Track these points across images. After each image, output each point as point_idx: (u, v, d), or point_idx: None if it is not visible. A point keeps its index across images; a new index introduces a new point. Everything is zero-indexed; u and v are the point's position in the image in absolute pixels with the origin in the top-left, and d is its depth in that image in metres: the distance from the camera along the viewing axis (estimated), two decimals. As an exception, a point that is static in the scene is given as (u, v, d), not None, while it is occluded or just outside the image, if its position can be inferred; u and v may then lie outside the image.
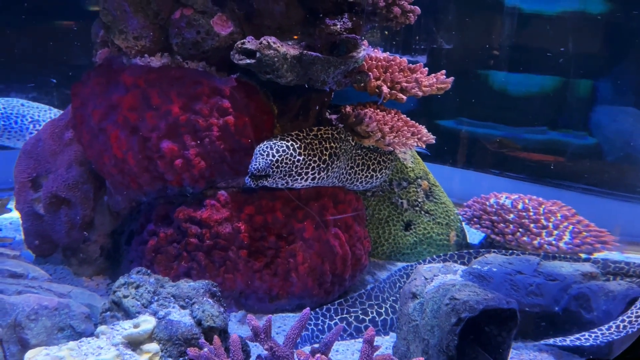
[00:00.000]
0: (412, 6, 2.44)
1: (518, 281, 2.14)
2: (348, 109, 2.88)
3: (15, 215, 3.10)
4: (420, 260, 3.54)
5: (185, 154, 2.38)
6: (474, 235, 4.15)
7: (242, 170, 2.48)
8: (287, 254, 2.47)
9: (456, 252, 2.81)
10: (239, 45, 2.25)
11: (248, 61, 2.21)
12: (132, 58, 2.44)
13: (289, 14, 2.44)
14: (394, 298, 2.48)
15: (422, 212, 3.66)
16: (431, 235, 3.65)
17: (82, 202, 2.67)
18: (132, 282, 1.68)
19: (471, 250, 2.77)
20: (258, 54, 2.19)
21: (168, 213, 2.50)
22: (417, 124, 2.96)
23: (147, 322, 1.56)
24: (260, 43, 2.18)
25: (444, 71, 3.10)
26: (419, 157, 3.73)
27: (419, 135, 2.82)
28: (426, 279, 2.02)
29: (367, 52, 2.93)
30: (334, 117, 2.90)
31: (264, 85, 2.47)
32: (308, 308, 1.66)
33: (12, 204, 3.03)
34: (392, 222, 3.51)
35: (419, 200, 3.65)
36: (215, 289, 1.76)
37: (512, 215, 3.64)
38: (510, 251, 2.88)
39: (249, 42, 2.25)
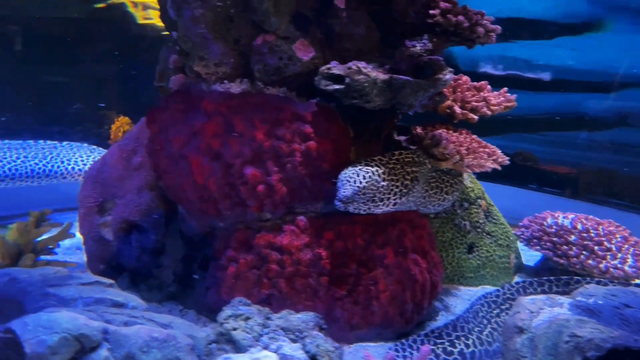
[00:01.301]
0: (493, 25, 2.40)
1: (629, 315, 2.06)
2: (419, 130, 2.84)
3: (67, 240, 3.09)
4: (486, 286, 3.50)
5: (268, 179, 2.35)
6: (528, 256, 4.07)
7: (321, 195, 2.45)
8: (369, 281, 2.42)
9: (535, 279, 2.74)
10: (325, 71, 2.23)
11: (336, 87, 2.18)
12: (212, 84, 2.43)
13: (369, 36, 2.42)
14: (479, 329, 2.41)
15: (484, 234, 3.59)
16: (494, 258, 3.57)
17: (154, 227, 2.65)
18: (241, 314, 1.65)
19: (551, 278, 2.69)
20: (347, 79, 2.16)
21: (247, 239, 2.47)
22: (488, 144, 2.92)
23: (267, 358, 1.52)
24: (350, 68, 2.15)
25: (505, 88, 3.06)
26: (473, 176, 3.68)
27: (494, 157, 2.77)
28: (531, 312, 1.96)
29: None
30: (402, 138, 2.86)
31: (340, 108, 2.45)
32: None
33: (74, 229, 3.02)
34: (456, 244, 3.44)
35: (480, 221, 3.59)
36: (322, 321, 1.71)
37: (573, 237, 3.56)
38: (588, 278, 2.80)
39: (334, 67, 2.23)
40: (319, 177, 2.42)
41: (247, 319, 1.64)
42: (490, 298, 2.60)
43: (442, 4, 2.37)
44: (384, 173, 2.32)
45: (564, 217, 3.75)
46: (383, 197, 2.33)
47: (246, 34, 2.37)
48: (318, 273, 2.41)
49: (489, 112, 2.94)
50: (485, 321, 2.44)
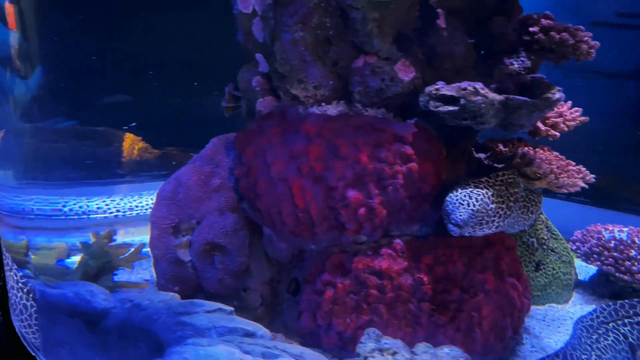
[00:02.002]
0: (594, 41, 2.37)
1: None
2: (501, 147, 2.79)
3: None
4: (552, 304, 3.45)
5: (370, 202, 2.30)
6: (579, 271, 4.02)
7: (417, 217, 2.40)
8: (471, 307, 2.36)
9: (626, 301, 2.69)
10: (434, 92, 2.19)
11: (450, 108, 2.14)
12: (309, 107, 2.38)
13: (467, 55, 2.38)
14: (586, 357, 2.35)
15: (549, 251, 3.55)
16: (559, 275, 3.53)
17: (238, 249, 2.59)
18: (387, 348, 1.59)
19: None
20: (462, 101, 2.12)
21: (343, 262, 2.41)
22: (570, 161, 2.87)
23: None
24: (464, 89, 2.11)
25: (570, 102, 3.02)
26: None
27: (582, 174, 2.73)
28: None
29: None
30: (482, 155, 2.81)
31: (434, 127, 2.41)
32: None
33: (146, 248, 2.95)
34: (524, 263, 3.39)
35: (545, 237, 3.54)
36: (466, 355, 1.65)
37: (633, 252, 3.53)
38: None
39: (443, 87, 2.18)
40: (418, 199, 2.36)
41: (395, 353, 1.58)
42: (586, 322, 2.54)
43: (544, 21, 2.33)
44: (492, 195, 2.27)
45: (619, 231, 3.72)
46: (489, 219, 2.28)
47: (346, 56, 2.32)
48: (419, 299, 2.35)
49: (566, 128, 2.91)
50: (588, 348, 2.39)
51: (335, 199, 2.31)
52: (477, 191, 2.23)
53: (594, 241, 3.70)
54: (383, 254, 2.39)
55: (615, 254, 3.56)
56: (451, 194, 2.25)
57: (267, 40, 2.42)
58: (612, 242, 3.62)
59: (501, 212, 2.32)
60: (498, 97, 2.12)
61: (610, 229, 3.74)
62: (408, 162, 2.32)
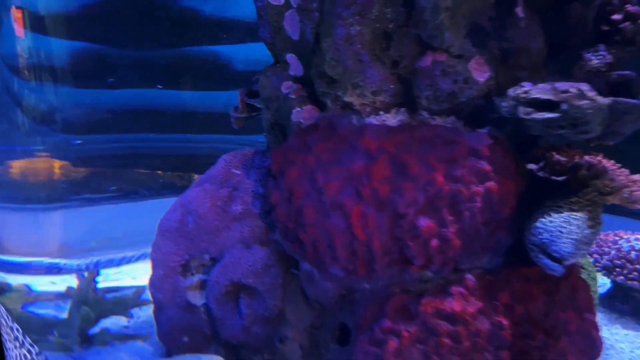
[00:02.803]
0: None
1: None
2: (557, 156, 2.45)
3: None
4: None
5: (443, 232, 1.89)
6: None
7: (490, 246, 2.01)
8: (557, 354, 1.99)
9: None
10: (522, 95, 1.81)
11: (549, 116, 1.76)
12: (366, 117, 1.95)
13: (543, 50, 2.02)
14: None
15: (581, 269, 3.27)
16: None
17: (271, 290, 2.14)
18: None
19: None
20: (565, 106, 1.74)
21: (406, 305, 1.99)
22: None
23: None
24: (566, 91, 1.74)
25: None
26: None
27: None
28: None
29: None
30: (532, 166, 2.47)
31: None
32: None
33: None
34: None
35: (575, 255, 3.26)
36: None
37: (655, 264, 3.35)
38: None
39: (533, 90, 1.81)
40: (493, 225, 1.98)
41: None
42: None
43: (629, 7, 1.99)
44: (588, 219, 1.91)
45: (635, 240, 3.52)
46: (582, 245, 1.92)
47: (409, 54, 1.92)
48: (496, 346, 1.96)
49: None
50: None
51: (404, 229, 1.89)
52: (575, 215, 1.86)
53: (614, 252, 3.47)
54: (454, 294, 1.98)
55: (638, 266, 3.35)
56: (543, 220, 1.87)
57: (308, 37, 1.99)
58: (632, 253, 3.41)
59: (591, 236, 1.97)
60: (605, 100, 1.77)
61: (626, 237, 3.54)
62: (486, 181, 1.93)
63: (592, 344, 2.13)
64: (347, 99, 1.95)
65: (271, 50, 2.19)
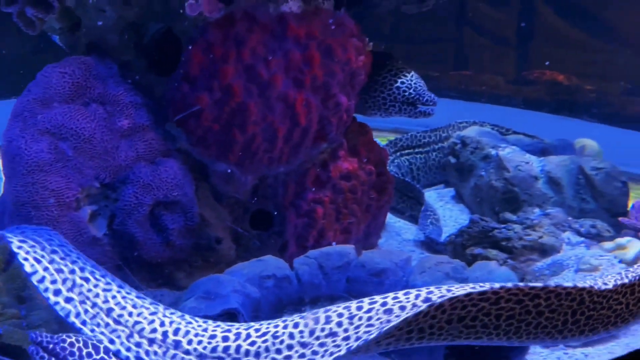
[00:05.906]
0: None
1: None
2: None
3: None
4: None
5: (350, 104, 2.19)
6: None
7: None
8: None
9: None
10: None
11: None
12: (280, 5, 1.94)
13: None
14: None
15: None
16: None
17: (192, 200, 2.03)
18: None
19: None
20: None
21: (318, 175, 2.25)
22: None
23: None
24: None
25: None
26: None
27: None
28: None
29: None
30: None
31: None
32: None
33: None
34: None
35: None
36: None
37: None
38: None
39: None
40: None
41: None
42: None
43: None
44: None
45: None
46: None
47: None
48: (369, 187, 2.45)
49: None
50: None
51: (329, 108, 2.09)
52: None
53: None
54: (341, 156, 2.33)
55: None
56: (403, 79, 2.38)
57: None
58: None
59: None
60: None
61: None
62: (360, 56, 2.26)
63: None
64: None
65: None
